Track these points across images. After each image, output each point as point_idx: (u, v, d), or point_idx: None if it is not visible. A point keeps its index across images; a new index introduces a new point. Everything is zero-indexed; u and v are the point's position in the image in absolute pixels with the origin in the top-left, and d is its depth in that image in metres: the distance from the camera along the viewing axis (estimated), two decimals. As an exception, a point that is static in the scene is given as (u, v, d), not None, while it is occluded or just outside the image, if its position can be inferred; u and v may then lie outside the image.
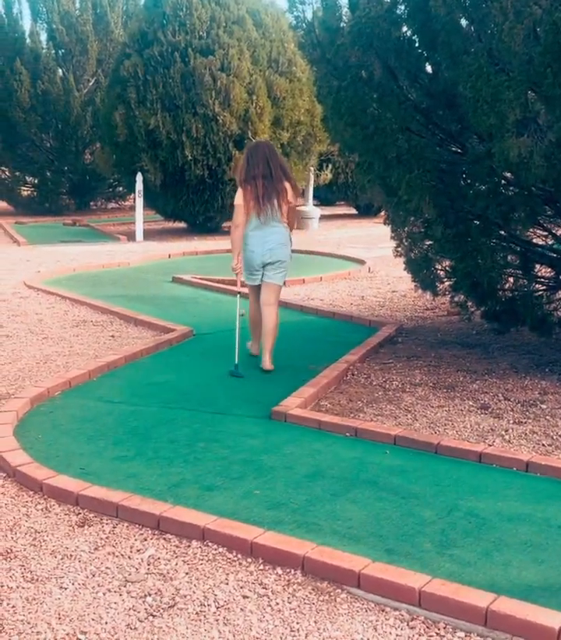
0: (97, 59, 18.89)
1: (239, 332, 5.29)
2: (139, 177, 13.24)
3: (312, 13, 5.43)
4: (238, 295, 5.53)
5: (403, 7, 5.01)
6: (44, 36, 19.08)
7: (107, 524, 3.04)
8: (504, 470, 3.53)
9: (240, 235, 5.25)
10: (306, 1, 5.40)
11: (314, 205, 16.68)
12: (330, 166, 16.86)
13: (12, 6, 18.72)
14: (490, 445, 3.79)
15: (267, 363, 5.19)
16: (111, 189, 20.06)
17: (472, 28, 4.48)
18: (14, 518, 3.10)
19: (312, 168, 15.52)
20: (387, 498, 3.22)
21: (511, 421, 4.17)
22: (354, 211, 19.11)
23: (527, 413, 4.29)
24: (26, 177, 19.42)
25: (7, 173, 19.14)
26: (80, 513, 3.13)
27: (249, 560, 2.76)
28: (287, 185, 5.23)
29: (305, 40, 5.53)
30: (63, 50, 18.72)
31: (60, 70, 18.77)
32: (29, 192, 19.53)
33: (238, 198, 5.23)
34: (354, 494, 3.26)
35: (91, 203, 20.39)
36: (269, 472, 3.50)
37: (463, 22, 4.54)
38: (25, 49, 18.32)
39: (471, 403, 4.46)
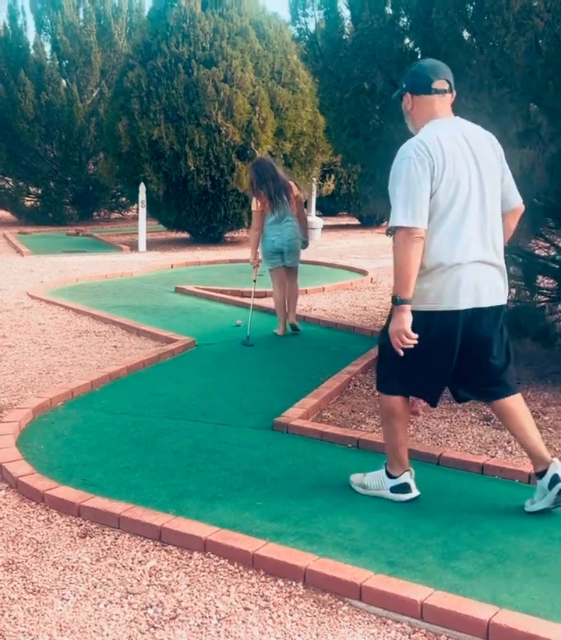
0: (101, 70, 18.98)
1: (252, 305, 6.67)
2: (142, 188, 13.28)
3: (315, 25, 5.46)
4: (254, 284, 6.88)
5: (405, 19, 5.05)
6: (48, 48, 19.19)
7: (108, 535, 3.04)
8: (506, 482, 3.52)
9: (258, 236, 6.46)
10: (309, 14, 5.44)
11: (316, 215, 16.70)
12: (333, 176, 16.89)
13: (16, 18, 18.83)
14: (492, 457, 3.79)
15: (293, 319, 6.61)
16: (114, 199, 20.11)
17: (474, 40, 4.50)
18: (16, 529, 3.10)
19: (314, 179, 15.54)
20: (389, 510, 3.21)
21: (513, 433, 4.16)
22: (356, 221, 19.14)
23: (530, 425, 4.28)
24: (30, 188, 19.49)
25: (10, 183, 19.21)
26: (82, 524, 3.12)
27: (251, 572, 2.75)
28: (291, 183, 6.52)
29: (307, 52, 5.57)
30: (67, 61, 18.80)
31: (64, 81, 18.85)
32: (32, 202, 19.59)
33: (254, 205, 6.37)
34: (356, 506, 3.25)
35: (94, 213, 20.45)
36: (271, 483, 3.50)
37: (465, 34, 4.57)
38: (29, 60, 18.41)
39: (473, 414, 4.45)
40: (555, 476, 3.10)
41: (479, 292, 3.14)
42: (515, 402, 3.29)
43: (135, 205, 15.26)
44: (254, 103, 13.04)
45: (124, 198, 19.41)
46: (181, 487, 3.45)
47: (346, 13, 5.36)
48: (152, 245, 13.92)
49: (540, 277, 5.43)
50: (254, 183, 6.27)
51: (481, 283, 3.14)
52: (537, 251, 5.43)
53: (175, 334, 6.39)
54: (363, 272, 10.06)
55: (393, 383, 3.31)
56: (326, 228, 16.80)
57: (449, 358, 3.18)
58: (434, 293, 3.13)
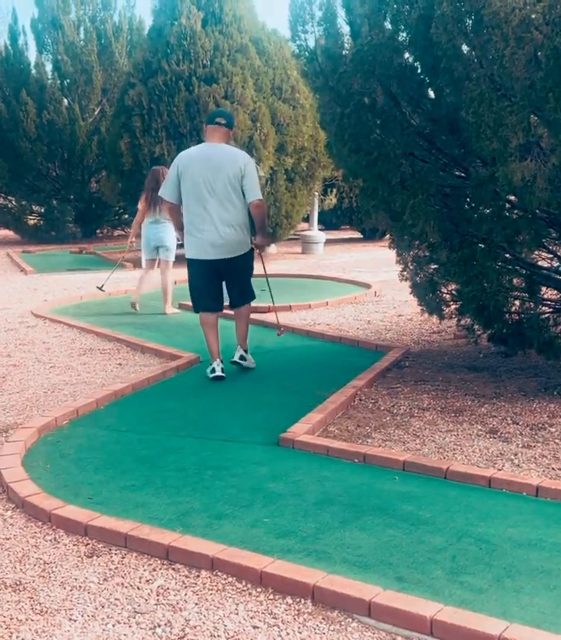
0: (102, 89, 19.09)
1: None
2: (145, 205, 13.31)
3: (315, 41, 5.48)
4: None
5: (404, 34, 5.06)
6: (49, 67, 19.33)
7: (115, 554, 3.03)
8: (514, 495, 3.51)
9: (136, 226, 8.92)
10: (308, 30, 5.45)
11: (319, 229, 16.73)
12: (335, 191, 16.94)
13: (17, 38, 18.98)
14: (499, 470, 3.77)
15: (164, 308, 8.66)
16: (117, 217, 20.17)
17: (473, 54, 4.52)
18: (23, 549, 3.09)
19: (316, 193, 15.58)
20: (397, 525, 3.20)
21: (520, 445, 4.15)
22: (359, 235, 19.17)
23: (536, 437, 4.27)
24: (33, 206, 19.56)
25: (13, 202, 19.29)
26: (89, 543, 3.12)
27: (259, 589, 2.74)
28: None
29: (307, 68, 5.58)
30: (68, 81, 18.92)
31: (65, 100, 18.96)
32: (35, 221, 19.66)
33: (140, 203, 8.60)
34: (363, 521, 3.24)
35: (97, 231, 20.51)
36: (278, 499, 3.50)
37: (465, 48, 4.59)
38: (30, 80, 18.54)
39: (479, 427, 4.45)
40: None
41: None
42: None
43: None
44: (255, 119, 13.10)
45: (127, 216, 19.46)
46: (188, 504, 3.45)
47: (345, 29, 5.38)
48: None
49: (543, 288, 5.44)
50: (145, 186, 8.58)
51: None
52: (540, 263, 5.43)
53: (179, 350, 6.39)
54: (366, 286, 10.07)
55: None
56: (328, 242, 16.82)
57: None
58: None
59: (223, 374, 5.62)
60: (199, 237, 5.58)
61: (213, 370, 5.64)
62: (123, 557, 3.01)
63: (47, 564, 2.97)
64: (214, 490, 3.62)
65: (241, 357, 5.94)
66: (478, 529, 3.15)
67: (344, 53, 5.25)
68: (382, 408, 4.85)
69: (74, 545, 3.12)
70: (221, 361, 5.71)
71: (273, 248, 15.79)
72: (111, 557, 3.02)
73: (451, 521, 3.24)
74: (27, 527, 3.28)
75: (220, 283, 5.82)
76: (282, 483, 3.70)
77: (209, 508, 3.40)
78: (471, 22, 4.13)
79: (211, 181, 5.52)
